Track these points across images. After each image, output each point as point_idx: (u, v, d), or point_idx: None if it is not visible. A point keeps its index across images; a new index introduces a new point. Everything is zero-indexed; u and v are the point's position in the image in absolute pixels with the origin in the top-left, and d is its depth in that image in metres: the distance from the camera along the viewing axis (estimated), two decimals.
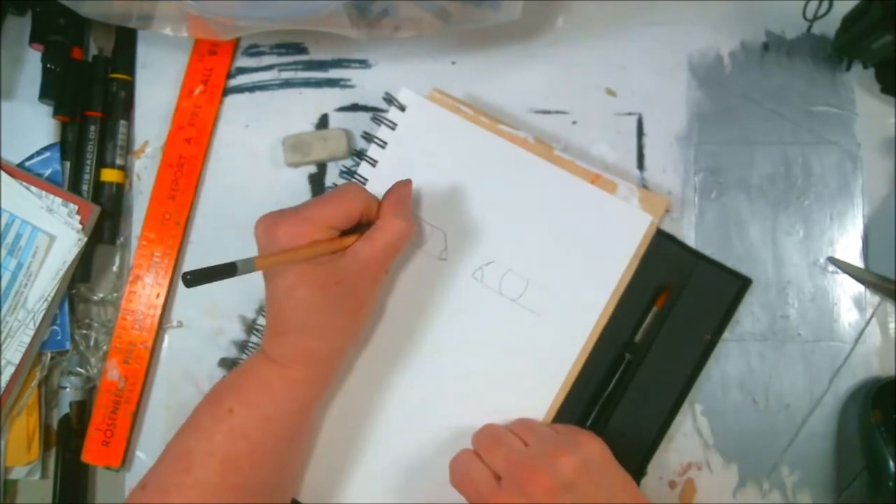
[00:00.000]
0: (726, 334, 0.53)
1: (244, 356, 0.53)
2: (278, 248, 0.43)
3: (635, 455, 0.51)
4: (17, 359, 0.53)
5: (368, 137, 0.53)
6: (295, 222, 0.43)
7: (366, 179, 0.52)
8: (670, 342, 0.51)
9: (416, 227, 0.50)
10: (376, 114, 0.53)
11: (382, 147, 0.53)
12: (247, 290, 0.54)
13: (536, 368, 0.51)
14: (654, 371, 0.51)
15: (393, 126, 0.53)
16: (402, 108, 0.53)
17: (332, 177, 0.55)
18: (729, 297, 0.52)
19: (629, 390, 0.51)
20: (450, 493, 0.47)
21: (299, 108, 0.56)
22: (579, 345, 0.51)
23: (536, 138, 0.52)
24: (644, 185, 0.54)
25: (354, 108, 0.56)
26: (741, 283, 0.52)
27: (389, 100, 0.53)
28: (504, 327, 0.51)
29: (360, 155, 0.53)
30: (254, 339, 0.53)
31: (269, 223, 0.44)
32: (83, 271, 0.55)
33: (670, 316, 0.52)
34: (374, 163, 0.53)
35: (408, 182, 0.48)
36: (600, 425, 0.51)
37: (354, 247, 0.45)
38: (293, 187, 0.55)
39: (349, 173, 0.53)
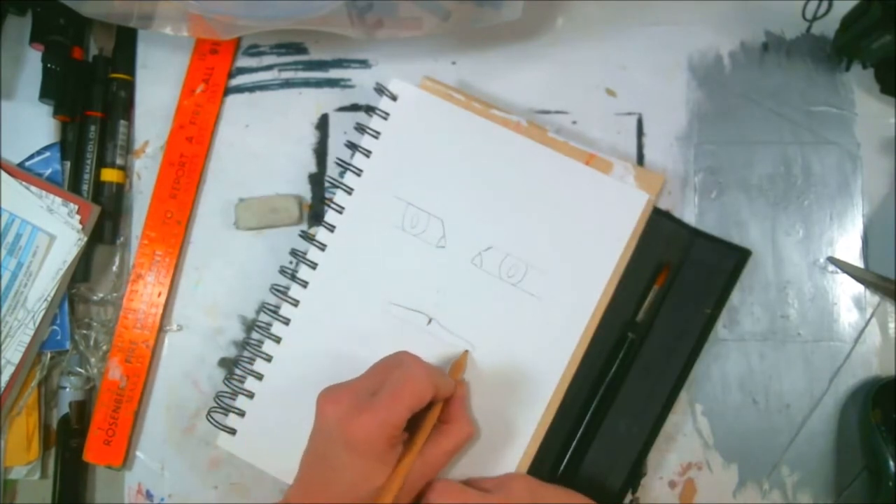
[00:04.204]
0: (726, 334, 0.53)
1: (245, 355, 0.52)
2: (354, 445, 0.43)
3: (641, 434, 0.51)
4: (16, 359, 0.53)
5: (361, 129, 0.53)
6: (373, 425, 0.42)
7: (361, 170, 0.53)
8: (671, 319, 0.52)
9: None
10: (369, 105, 0.53)
11: (376, 137, 0.53)
12: (247, 290, 0.54)
13: (540, 352, 0.51)
14: (657, 349, 0.51)
15: (385, 116, 0.53)
16: (394, 98, 0.53)
17: (332, 172, 0.55)
18: (728, 270, 0.52)
19: (633, 369, 0.51)
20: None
21: (299, 108, 0.56)
22: (582, 326, 0.51)
23: (529, 122, 0.53)
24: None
25: (354, 108, 0.56)
26: (739, 256, 0.52)
27: (381, 90, 0.53)
28: (506, 312, 0.51)
29: (353, 147, 0.53)
30: (254, 335, 0.53)
31: (343, 415, 0.43)
32: (83, 271, 0.55)
33: (670, 293, 0.52)
34: (367, 153, 0.53)
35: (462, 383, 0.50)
36: (606, 405, 0.51)
37: (423, 451, 0.45)
38: (294, 187, 0.55)
39: (343, 167, 0.53)
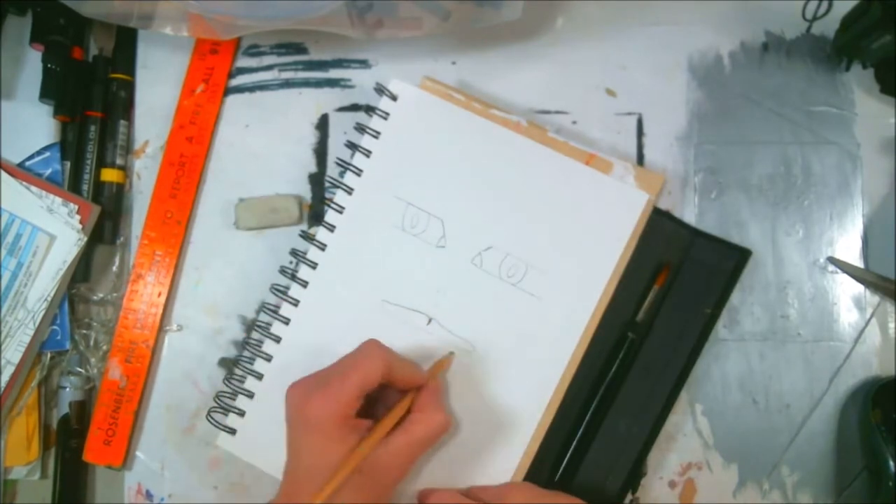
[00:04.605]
0: (726, 334, 0.53)
1: (245, 355, 0.53)
2: (311, 424, 0.44)
3: (641, 434, 0.51)
4: (16, 359, 0.53)
5: (361, 129, 0.53)
6: (324, 402, 0.44)
7: (361, 170, 0.53)
8: (672, 319, 0.52)
9: (452, 421, 0.49)
10: (369, 105, 0.53)
11: (376, 137, 0.53)
12: (247, 290, 0.54)
13: (540, 352, 0.51)
14: (657, 349, 0.51)
15: (385, 116, 0.53)
16: (394, 98, 0.53)
17: (332, 172, 0.55)
18: (728, 270, 0.52)
19: (633, 369, 0.51)
20: None
21: (299, 108, 0.56)
22: (582, 326, 0.51)
23: (529, 122, 0.53)
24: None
25: (354, 108, 0.56)
26: (739, 256, 0.52)
27: (381, 90, 0.53)
28: (506, 312, 0.51)
29: (353, 147, 0.53)
30: (254, 335, 0.53)
31: (299, 399, 0.44)
32: (83, 271, 0.55)
33: (670, 293, 0.52)
34: (367, 153, 0.53)
35: (436, 377, 0.49)
36: (606, 405, 0.51)
37: (389, 438, 0.45)
38: (294, 187, 0.55)
39: (343, 167, 0.53)
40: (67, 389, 0.54)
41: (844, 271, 0.53)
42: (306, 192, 0.55)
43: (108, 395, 0.53)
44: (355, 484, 0.44)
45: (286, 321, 0.52)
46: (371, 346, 0.46)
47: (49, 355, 0.55)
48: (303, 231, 0.53)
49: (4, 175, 0.53)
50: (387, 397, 0.48)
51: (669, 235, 0.53)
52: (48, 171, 0.55)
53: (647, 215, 0.52)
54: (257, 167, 0.55)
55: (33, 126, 0.56)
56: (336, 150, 0.55)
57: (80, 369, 0.55)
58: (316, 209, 0.55)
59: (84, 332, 0.55)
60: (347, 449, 0.43)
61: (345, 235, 0.52)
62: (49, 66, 0.55)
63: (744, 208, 0.54)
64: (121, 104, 0.56)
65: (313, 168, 0.55)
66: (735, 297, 0.53)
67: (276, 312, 0.52)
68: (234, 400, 0.52)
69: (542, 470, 0.51)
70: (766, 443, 0.52)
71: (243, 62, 0.57)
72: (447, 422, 0.47)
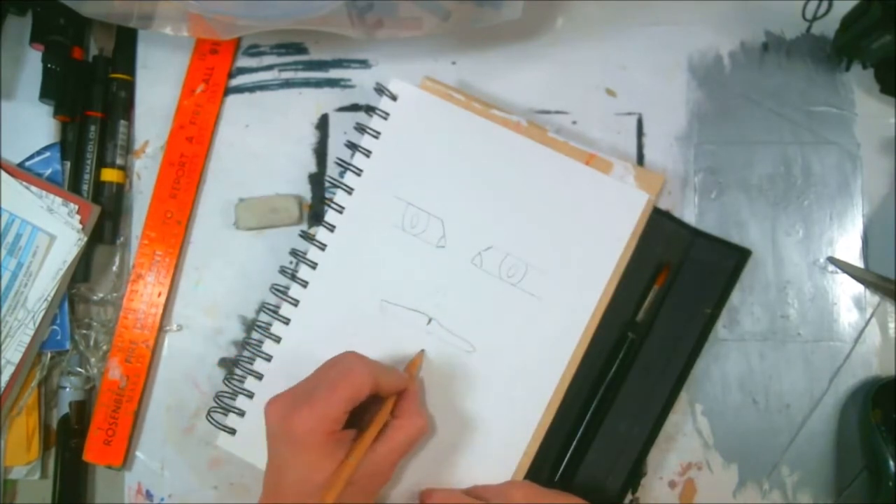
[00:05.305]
0: (726, 334, 0.53)
1: (245, 355, 0.53)
2: (297, 440, 0.43)
3: (641, 434, 0.51)
4: (16, 359, 0.53)
5: (361, 129, 0.53)
6: (311, 418, 0.43)
7: (361, 170, 0.53)
8: (671, 319, 0.52)
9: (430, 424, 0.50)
10: (369, 105, 0.53)
11: (376, 137, 0.53)
12: (247, 290, 0.54)
13: (540, 352, 0.51)
14: (657, 349, 0.51)
15: (385, 116, 0.53)
16: (394, 98, 0.53)
17: (332, 172, 0.55)
18: (728, 270, 0.52)
19: (633, 369, 0.51)
20: None
21: (299, 108, 0.56)
22: (582, 326, 0.51)
23: (529, 122, 0.53)
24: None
25: (354, 108, 0.56)
26: (739, 255, 0.52)
27: (381, 90, 0.53)
28: (506, 312, 0.51)
29: (353, 147, 0.53)
30: (254, 335, 0.53)
31: (283, 414, 0.44)
32: (83, 271, 0.55)
33: (670, 293, 0.52)
34: (367, 153, 0.53)
35: (415, 379, 0.49)
36: (606, 405, 0.51)
37: (373, 447, 0.45)
38: (294, 187, 0.55)
39: (343, 167, 0.53)
40: (67, 389, 0.54)
41: (844, 271, 0.53)
42: (306, 192, 0.55)
43: (108, 395, 0.53)
44: (343, 494, 0.43)
45: (286, 321, 0.52)
46: (354, 359, 0.46)
47: (49, 355, 0.55)
48: (303, 231, 0.53)
49: (4, 175, 0.53)
50: (366, 403, 0.48)
51: (669, 235, 0.53)
52: (48, 171, 0.55)
53: (647, 215, 0.52)
54: (257, 167, 0.55)
55: (33, 126, 0.56)
56: (336, 150, 0.55)
57: (80, 369, 0.55)
58: (316, 209, 0.55)
59: (84, 332, 0.55)
60: (335, 463, 0.43)
61: (345, 235, 0.52)
62: (49, 66, 0.55)
63: (744, 208, 0.54)
64: (121, 104, 0.56)
65: (313, 168, 0.55)
66: (735, 297, 0.53)
67: (276, 312, 0.52)
68: (234, 400, 0.52)
69: (543, 470, 0.51)
70: (766, 443, 0.52)
71: (243, 62, 0.57)
72: (426, 426, 0.47)
